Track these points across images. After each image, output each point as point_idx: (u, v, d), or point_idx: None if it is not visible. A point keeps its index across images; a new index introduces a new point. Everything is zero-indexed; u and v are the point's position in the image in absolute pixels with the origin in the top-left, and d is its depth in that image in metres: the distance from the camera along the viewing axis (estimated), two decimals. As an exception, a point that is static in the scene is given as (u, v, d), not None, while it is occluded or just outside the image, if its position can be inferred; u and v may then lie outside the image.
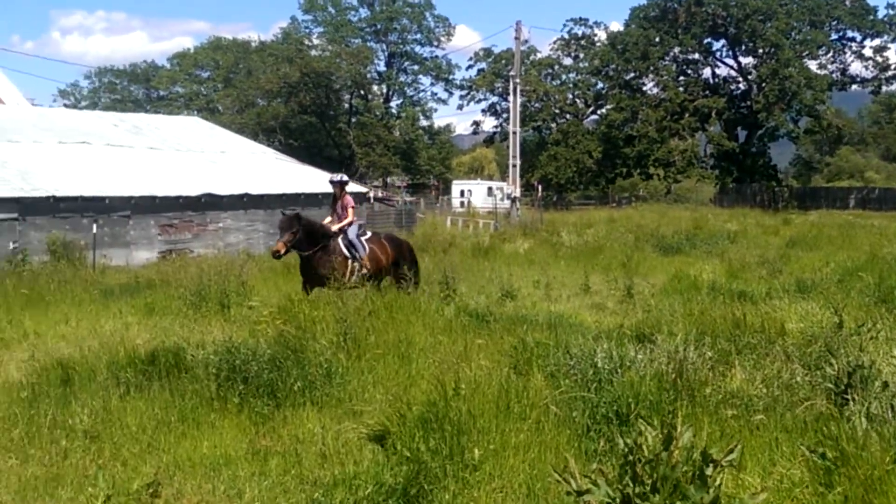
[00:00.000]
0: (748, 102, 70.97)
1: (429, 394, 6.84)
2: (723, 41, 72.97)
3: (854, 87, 74.23)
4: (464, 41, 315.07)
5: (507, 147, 50.89)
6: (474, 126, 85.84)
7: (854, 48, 70.94)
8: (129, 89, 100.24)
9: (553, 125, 79.71)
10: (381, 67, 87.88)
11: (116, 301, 15.24)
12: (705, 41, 72.40)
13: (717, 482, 3.95)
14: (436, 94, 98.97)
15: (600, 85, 78.13)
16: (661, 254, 23.46)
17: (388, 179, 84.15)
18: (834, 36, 70.67)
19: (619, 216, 44.09)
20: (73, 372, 8.47)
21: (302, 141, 79.83)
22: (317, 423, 7.12)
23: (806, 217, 45.17)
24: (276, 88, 75.71)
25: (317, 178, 33.31)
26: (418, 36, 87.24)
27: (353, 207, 13.83)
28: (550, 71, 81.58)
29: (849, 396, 6.52)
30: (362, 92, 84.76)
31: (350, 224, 13.57)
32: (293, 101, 76.19)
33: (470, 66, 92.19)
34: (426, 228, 33.10)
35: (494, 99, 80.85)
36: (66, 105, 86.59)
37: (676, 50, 72.29)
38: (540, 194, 59.35)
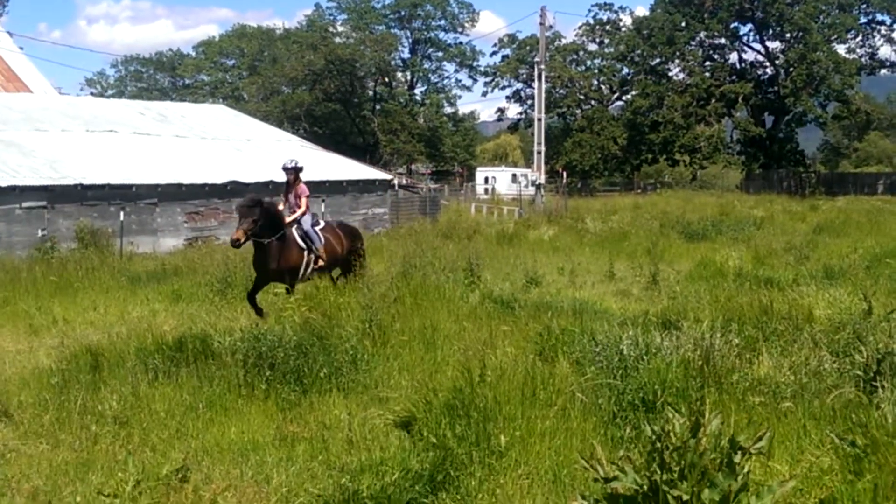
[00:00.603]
0: (775, 87, 69.92)
1: (454, 380, 6.86)
2: (750, 25, 71.92)
3: (883, 71, 72.91)
4: (488, 27, 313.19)
5: (532, 134, 50.73)
6: (499, 113, 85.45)
7: (883, 32, 69.60)
8: (155, 77, 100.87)
9: (578, 111, 79.13)
10: (406, 54, 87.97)
11: (144, 288, 15.40)
12: (732, 25, 71.36)
13: (746, 469, 3.94)
14: (460, 80, 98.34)
15: (626, 71, 77.35)
16: (687, 240, 23.26)
17: (413, 167, 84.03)
18: (863, 19, 69.36)
19: (645, 203, 43.90)
20: (102, 358, 8.56)
21: (327, 128, 79.88)
22: (343, 409, 7.15)
23: (833, 203, 44.63)
24: (301, 76, 75.78)
25: (342, 166, 33.37)
26: (442, 22, 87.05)
27: (307, 196, 12.83)
28: (575, 57, 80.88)
29: (878, 384, 6.46)
30: (386, 79, 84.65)
31: (304, 214, 12.67)
32: (318, 88, 76.20)
33: (494, 53, 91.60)
34: (450, 215, 33.14)
35: (519, 85, 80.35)
36: (92, 94, 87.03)
37: (703, 35, 71.30)
38: (565, 181, 59.02)
